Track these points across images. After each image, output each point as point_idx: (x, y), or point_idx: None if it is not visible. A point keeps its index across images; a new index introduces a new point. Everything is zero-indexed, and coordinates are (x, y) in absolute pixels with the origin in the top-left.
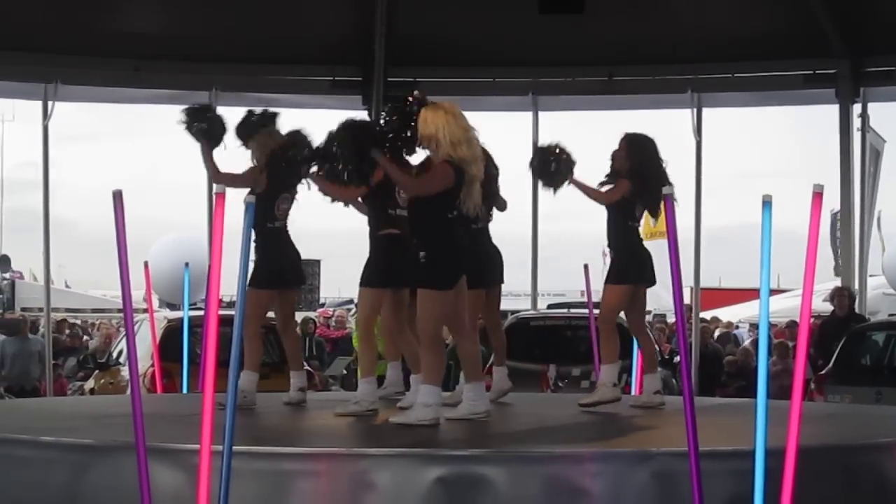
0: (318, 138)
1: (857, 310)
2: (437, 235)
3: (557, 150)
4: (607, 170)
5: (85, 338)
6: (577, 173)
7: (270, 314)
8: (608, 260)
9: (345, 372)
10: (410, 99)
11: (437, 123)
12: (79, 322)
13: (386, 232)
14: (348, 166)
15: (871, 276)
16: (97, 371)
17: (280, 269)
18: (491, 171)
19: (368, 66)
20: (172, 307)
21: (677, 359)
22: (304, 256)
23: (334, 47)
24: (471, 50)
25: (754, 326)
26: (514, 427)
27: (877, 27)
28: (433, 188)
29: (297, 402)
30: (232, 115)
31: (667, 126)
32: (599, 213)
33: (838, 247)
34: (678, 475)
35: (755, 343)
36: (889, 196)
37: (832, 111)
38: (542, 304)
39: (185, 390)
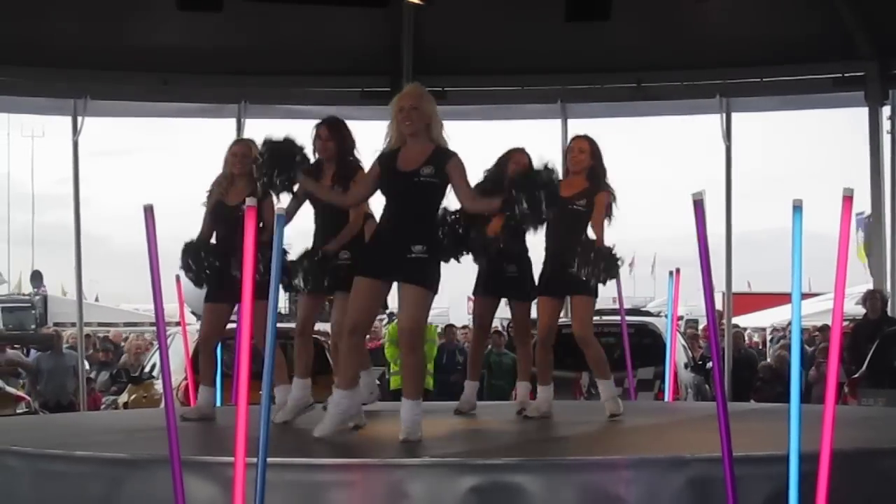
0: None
1: (889, 312)
2: (435, 234)
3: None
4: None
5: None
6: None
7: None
8: (636, 271)
9: (378, 382)
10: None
11: (433, 108)
12: (110, 335)
13: None
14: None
15: None
16: (130, 385)
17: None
18: None
19: (397, 76)
20: None
21: (710, 364)
22: None
23: (363, 58)
24: (498, 58)
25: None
26: (547, 435)
27: None
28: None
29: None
30: (262, 127)
31: (696, 131)
32: (630, 222)
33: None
34: (713, 481)
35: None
36: None
37: (861, 114)
38: None
39: (218, 403)
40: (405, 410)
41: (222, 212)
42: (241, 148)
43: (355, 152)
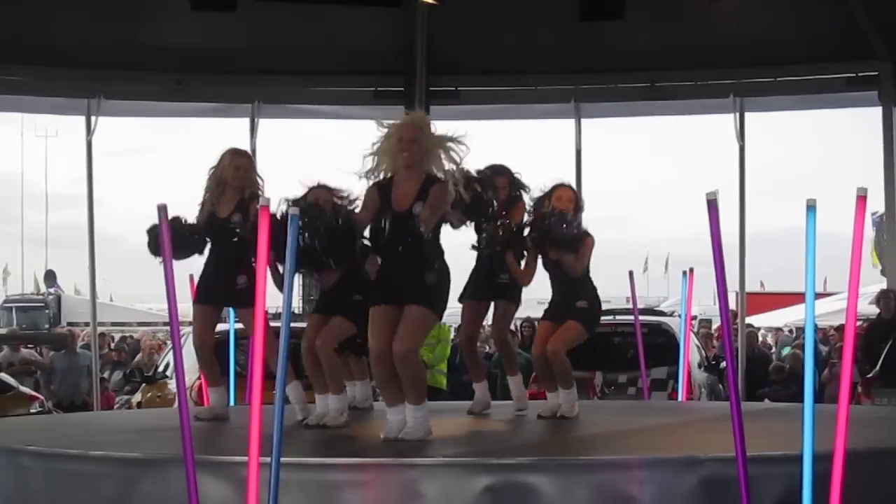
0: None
1: None
2: (441, 259)
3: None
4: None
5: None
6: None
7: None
8: (650, 271)
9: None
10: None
11: (433, 140)
12: (126, 335)
13: None
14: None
15: None
16: (144, 384)
17: None
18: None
19: (410, 76)
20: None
21: (723, 364)
22: None
23: (376, 58)
24: (512, 58)
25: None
26: (561, 434)
27: None
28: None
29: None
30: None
31: (710, 131)
32: (644, 221)
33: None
34: (726, 481)
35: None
36: None
37: (875, 114)
38: None
39: (232, 403)
40: (408, 412)
41: (214, 223)
42: (245, 162)
43: None
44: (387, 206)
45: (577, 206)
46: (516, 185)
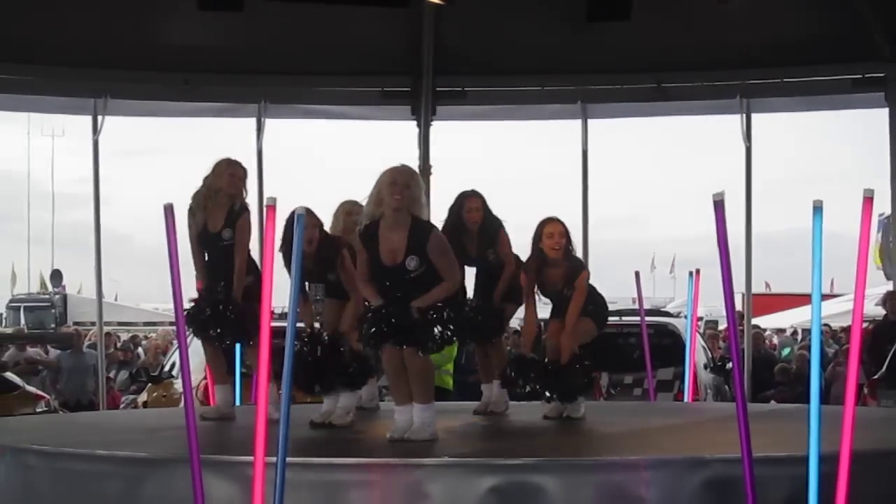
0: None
1: None
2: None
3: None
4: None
5: (138, 350)
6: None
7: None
8: (656, 272)
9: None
10: None
11: (421, 192)
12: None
13: None
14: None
15: None
16: (150, 384)
17: None
18: None
19: (417, 77)
20: None
21: (729, 365)
22: None
23: (383, 58)
24: (519, 59)
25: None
26: (566, 435)
27: None
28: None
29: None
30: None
31: (716, 132)
32: (650, 222)
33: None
34: (732, 481)
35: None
36: None
37: (882, 115)
38: None
39: (237, 402)
40: (415, 412)
41: (207, 237)
42: (240, 171)
43: None
44: (376, 261)
45: (569, 239)
46: (491, 215)
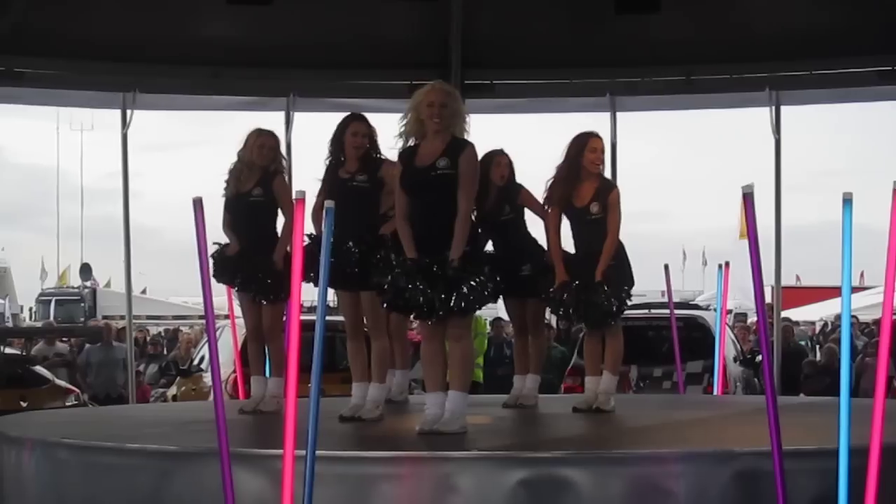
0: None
1: None
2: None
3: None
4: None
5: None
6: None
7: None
8: (688, 262)
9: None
10: None
11: (460, 106)
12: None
13: None
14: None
15: None
16: (179, 378)
17: None
18: None
19: (445, 70)
20: None
21: (759, 358)
22: None
23: (411, 51)
24: (547, 51)
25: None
26: (596, 428)
27: None
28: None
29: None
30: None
31: (745, 124)
32: (680, 215)
33: None
34: (762, 475)
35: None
36: None
37: None
38: None
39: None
40: (449, 400)
41: (237, 199)
42: (269, 140)
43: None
44: (409, 167)
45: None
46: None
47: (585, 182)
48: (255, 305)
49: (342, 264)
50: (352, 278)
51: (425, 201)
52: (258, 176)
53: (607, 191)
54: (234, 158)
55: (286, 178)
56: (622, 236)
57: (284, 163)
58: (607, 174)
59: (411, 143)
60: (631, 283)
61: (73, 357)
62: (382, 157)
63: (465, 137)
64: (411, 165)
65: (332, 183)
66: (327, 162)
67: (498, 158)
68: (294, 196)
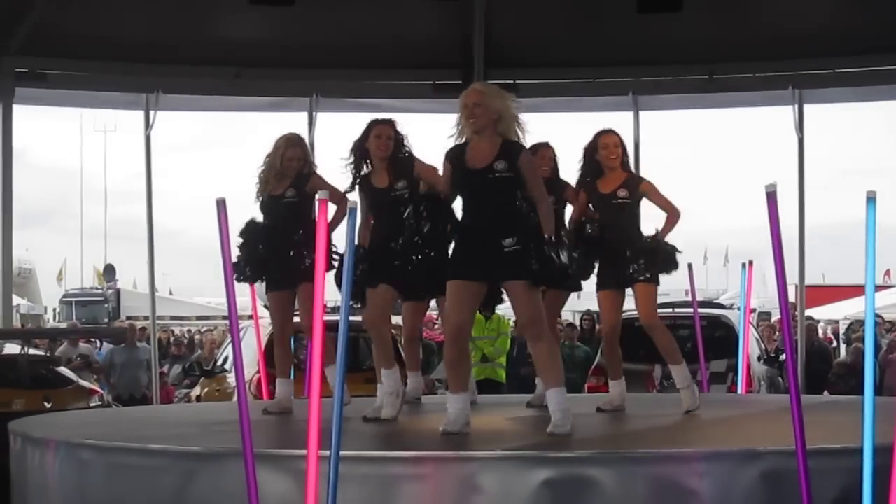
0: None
1: None
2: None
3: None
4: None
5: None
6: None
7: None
8: (710, 261)
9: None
10: None
11: (501, 104)
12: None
13: None
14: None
15: None
16: (203, 378)
17: None
18: None
19: (468, 69)
20: None
21: (783, 357)
22: None
23: (434, 51)
24: (570, 50)
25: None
26: (620, 428)
27: None
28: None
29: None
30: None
31: (768, 123)
32: (703, 214)
33: None
34: (786, 474)
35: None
36: None
37: None
38: None
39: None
40: (551, 399)
41: (269, 202)
42: (298, 152)
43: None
44: (461, 168)
45: (624, 150)
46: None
47: (610, 175)
48: (284, 306)
49: (399, 271)
50: (416, 281)
51: (482, 201)
52: (290, 178)
53: (637, 181)
54: (261, 162)
55: (320, 175)
56: (649, 230)
57: (314, 164)
58: None
59: (457, 141)
60: (670, 265)
61: (109, 359)
62: (409, 153)
63: (519, 137)
64: (462, 166)
65: (370, 193)
66: (352, 171)
67: (542, 151)
68: (317, 196)
